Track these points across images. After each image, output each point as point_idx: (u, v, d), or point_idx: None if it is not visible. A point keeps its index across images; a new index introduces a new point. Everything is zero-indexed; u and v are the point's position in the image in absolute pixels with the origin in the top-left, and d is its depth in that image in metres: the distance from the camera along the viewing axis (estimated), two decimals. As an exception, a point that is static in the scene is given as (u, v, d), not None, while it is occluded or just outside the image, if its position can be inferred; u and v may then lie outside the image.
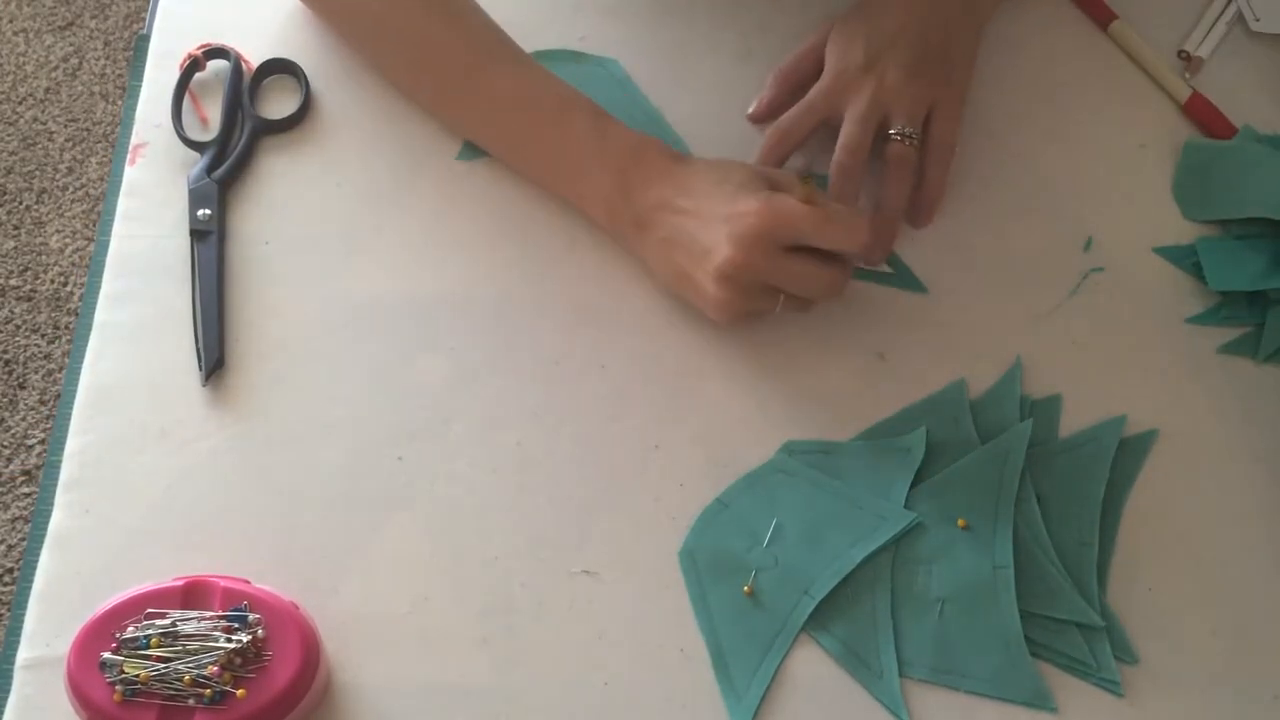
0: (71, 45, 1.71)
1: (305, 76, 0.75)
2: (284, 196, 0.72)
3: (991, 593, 0.61)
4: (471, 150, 0.73)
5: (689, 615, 0.62)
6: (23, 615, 0.60)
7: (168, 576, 0.58)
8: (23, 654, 0.59)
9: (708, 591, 0.62)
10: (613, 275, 0.70)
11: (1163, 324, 0.70)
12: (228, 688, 0.54)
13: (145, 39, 0.78)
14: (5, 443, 1.43)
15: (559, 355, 0.68)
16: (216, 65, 0.75)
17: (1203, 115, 0.76)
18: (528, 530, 0.63)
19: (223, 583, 0.57)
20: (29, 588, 0.61)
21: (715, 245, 0.63)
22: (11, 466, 1.42)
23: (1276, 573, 0.64)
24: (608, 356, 0.68)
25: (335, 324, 0.68)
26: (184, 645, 0.55)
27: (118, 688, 0.54)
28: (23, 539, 1.37)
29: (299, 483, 0.64)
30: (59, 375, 1.48)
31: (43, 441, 1.43)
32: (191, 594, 0.57)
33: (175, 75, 0.74)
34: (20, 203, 1.59)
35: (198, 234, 0.70)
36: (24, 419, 1.45)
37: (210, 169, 0.71)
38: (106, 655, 0.55)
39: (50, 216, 1.58)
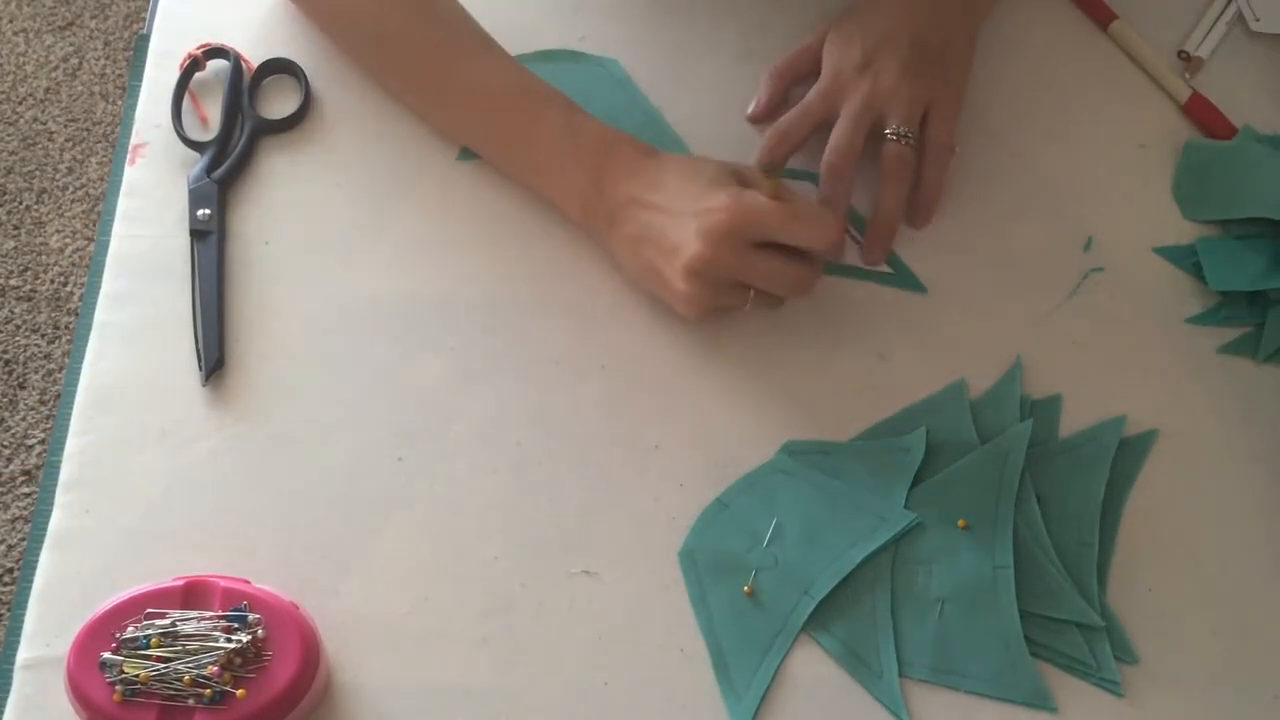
0: (71, 45, 1.71)
1: (305, 76, 0.75)
2: (284, 196, 0.72)
3: (991, 593, 0.61)
4: (471, 150, 0.73)
5: (689, 615, 0.62)
6: (23, 615, 0.60)
7: (167, 576, 0.58)
8: (23, 654, 0.59)
9: (708, 591, 0.62)
10: (613, 275, 0.70)
11: (1163, 324, 0.70)
12: (228, 688, 0.54)
13: (145, 39, 0.78)
14: (5, 443, 1.43)
15: (559, 355, 0.68)
16: (216, 65, 0.75)
17: (1203, 115, 0.76)
18: (528, 530, 0.63)
19: (223, 583, 0.57)
20: (29, 588, 0.61)
21: (684, 241, 0.63)
22: (11, 466, 1.42)
23: (1276, 573, 0.64)
24: (608, 357, 0.68)
25: (335, 324, 0.68)
26: (184, 645, 0.55)
27: (118, 688, 0.54)
28: (23, 539, 1.37)
29: (299, 483, 0.64)
30: (59, 375, 1.47)
31: (43, 441, 1.43)
32: (191, 594, 0.57)
33: (175, 75, 0.74)
34: (20, 203, 1.59)
35: (198, 234, 0.70)
36: (24, 419, 1.45)
37: (210, 169, 0.71)
38: (106, 655, 0.55)
39: (50, 216, 1.58)
